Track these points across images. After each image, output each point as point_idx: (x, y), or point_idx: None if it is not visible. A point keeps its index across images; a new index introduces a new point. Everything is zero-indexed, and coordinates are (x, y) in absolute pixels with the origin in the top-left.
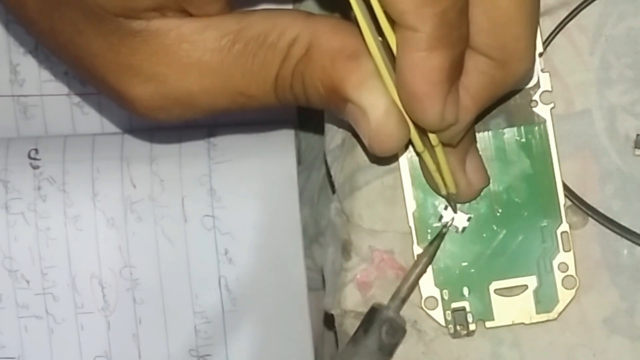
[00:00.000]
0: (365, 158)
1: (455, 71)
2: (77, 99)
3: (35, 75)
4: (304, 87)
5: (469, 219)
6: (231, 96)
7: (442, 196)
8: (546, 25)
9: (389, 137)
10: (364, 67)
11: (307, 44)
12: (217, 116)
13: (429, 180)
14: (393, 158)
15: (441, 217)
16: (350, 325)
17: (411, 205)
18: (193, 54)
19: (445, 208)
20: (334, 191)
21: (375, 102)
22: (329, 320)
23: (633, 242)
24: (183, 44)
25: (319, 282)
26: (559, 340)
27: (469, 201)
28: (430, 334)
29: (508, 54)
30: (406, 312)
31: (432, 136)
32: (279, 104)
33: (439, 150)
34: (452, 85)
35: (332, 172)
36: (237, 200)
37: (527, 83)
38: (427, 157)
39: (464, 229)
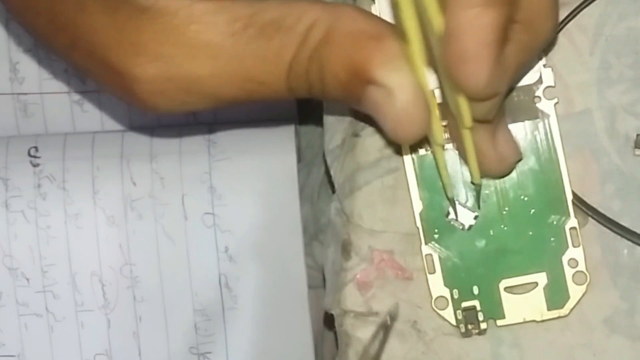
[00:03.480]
0: (366, 158)
1: (504, 33)
2: (77, 97)
3: (35, 73)
4: (322, 72)
5: (475, 217)
6: (240, 82)
7: (448, 199)
8: None
9: (414, 121)
10: (389, 47)
11: (327, 27)
12: (218, 113)
13: (443, 177)
14: (393, 156)
15: (448, 213)
16: (350, 325)
17: (417, 206)
18: (202, 36)
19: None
20: (334, 191)
21: (402, 82)
22: (329, 320)
23: (633, 242)
24: (192, 24)
25: (319, 279)
26: (559, 340)
27: (502, 177)
28: (430, 334)
29: (532, 13)
30: (406, 312)
31: (466, 117)
32: (289, 93)
33: (467, 135)
34: (501, 49)
35: (332, 172)
36: (238, 198)
37: (538, 60)
38: (439, 153)
39: (470, 226)
